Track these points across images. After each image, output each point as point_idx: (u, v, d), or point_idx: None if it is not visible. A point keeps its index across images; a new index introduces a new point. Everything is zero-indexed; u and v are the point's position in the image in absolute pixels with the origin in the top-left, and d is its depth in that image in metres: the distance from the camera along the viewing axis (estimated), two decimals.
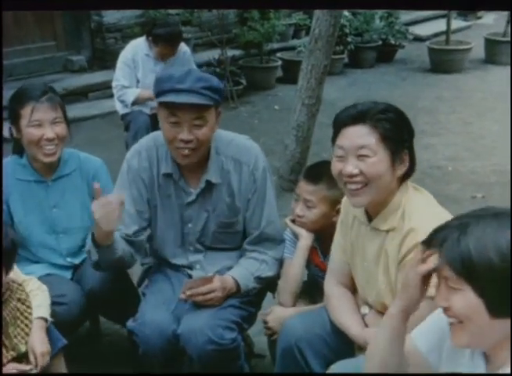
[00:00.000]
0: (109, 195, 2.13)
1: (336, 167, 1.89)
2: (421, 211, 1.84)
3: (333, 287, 2.12)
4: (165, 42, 4.46)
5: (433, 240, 1.38)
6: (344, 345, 2.04)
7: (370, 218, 1.94)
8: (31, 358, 2.12)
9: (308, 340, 2.08)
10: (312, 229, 2.30)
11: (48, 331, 2.20)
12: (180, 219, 2.33)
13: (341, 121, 1.88)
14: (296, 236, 2.35)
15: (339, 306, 2.07)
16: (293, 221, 2.34)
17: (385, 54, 8.13)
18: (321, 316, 2.12)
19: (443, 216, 1.82)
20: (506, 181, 4.63)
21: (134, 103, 4.50)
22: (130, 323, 2.23)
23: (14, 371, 2.11)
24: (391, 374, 1.54)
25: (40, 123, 2.38)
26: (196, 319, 2.15)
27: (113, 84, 4.60)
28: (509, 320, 1.32)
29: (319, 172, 2.26)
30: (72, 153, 2.58)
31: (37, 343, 2.13)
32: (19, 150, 2.51)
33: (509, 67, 7.72)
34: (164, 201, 2.32)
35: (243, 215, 2.32)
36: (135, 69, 4.54)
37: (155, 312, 2.19)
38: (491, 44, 8.02)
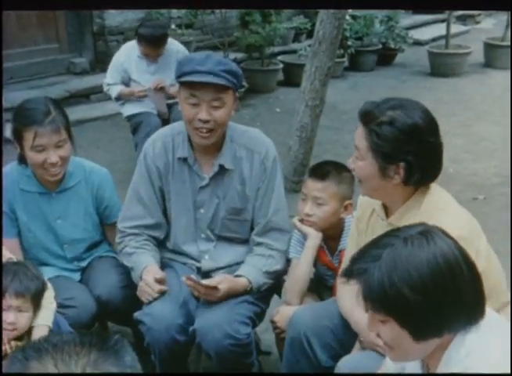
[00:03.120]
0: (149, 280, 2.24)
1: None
2: (446, 212, 1.84)
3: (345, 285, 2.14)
4: (147, 42, 4.49)
5: (352, 272, 1.42)
6: (351, 338, 2.06)
7: (387, 214, 1.96)
8: None
9: (316, 330, 2.11)
10: (321, 228, 2.32)
11: (57, 329, 2.18)
12: (193, 204, 2.39)
13: (359, 114, 1.90)
14: (303, 236, 2.36)
15: (349, 301, 2.06)
16: (300, 221, 2.35)
17: (385, 58, 8.18)
18: (329, 308, 2.14)
19: (466, 217, 1.86)
20: (507, 182, 4.67)
21: (117, 99, 4.62)
22: (137, 314, 2.27)
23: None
24: (392, 374, 1.62)
25: (43, 148, 2.33)
26: (213, 315, 2.19)
27: (103, 81, 4.75)
28: (435, 339, 1.37)
29: (326, 169, 2.30)
30: (78, 163, 2.55)
31: None
32: (24, 161, 2.46)
33: (508, 71, 7.79)
34: (178, 186, 2.38)
35: (252, 204, 2.37)
36: (125, 72, 4.60)
37: (162, 305, 2.23)
38: (490, 48, 8.07)
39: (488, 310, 1.43)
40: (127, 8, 4.29)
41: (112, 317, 2.61)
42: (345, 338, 2.09)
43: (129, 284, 2.40)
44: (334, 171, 2.29)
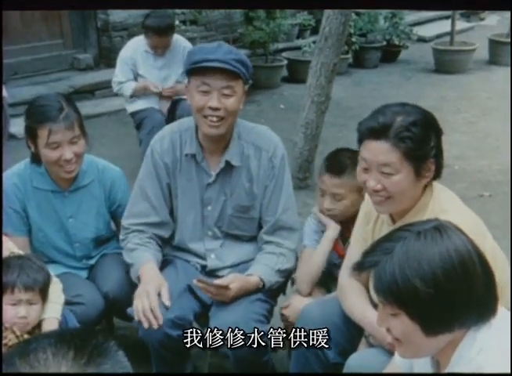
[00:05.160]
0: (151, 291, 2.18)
1: (361, 177, 1.87)
2: (451, 213, 1.80)
3: (347, 279, 2.12)
4: (154, 33, 4.48)
5: (364, 265, 1.41)
6: (359, 335, 2.05)
7: (394, 219, 1.93)
8: None
9: (324, 326, 2.08)
10: (341, 220, 2.32)
11: (66, 324, 2.20)
12: (200, 201, 2.37)
13: (363, 133, 1.83)
14: (320, 226, 2.37)
15: (352, 298, 2.08)
16: (320, 212, 2.35)
17: (389, 54, 8.16)
18: (338, 305, 2.14)
19: (469, 218, 1.84)
20: None
21: (132, 96, 4.59)
22: (130, 309, 2.25)
23: None
24: (396, 374, 1.62)
25: (58, 145, 2.33)
26: (228, 315, 2.18)
27: (112, 80, 4.70)
28: (446, 334, 1.36)
29: (341, 163, 2.26)
30: (91, 162, 2.54)
31: None
32: (37, 160, 2.45)
33: None
34: (185, 184, 2.37)
35: (259, 202, 2.35)
36: (134, 66, 4.58)
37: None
38: (495, 45, 8.04)
39: (501, 308, 1.43)
40: (127, 8, 4.28)
41: (119, 314, 2.60)
42: (353, 334, 2.09)
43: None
44: (350, 163, 2.23)
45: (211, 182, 2.36)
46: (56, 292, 2.22)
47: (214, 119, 2.22)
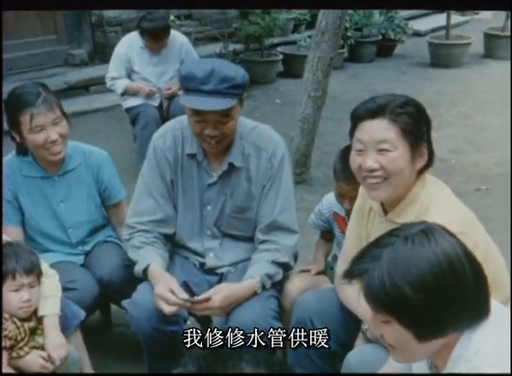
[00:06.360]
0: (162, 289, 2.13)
1: (355, 161, 1.86)
2: (441, 206, 1.82)
3: (343, 268, 2.11)
4: (150, 35, 4.46)
5: (353, 273, 1.40)
6: (356, 325, 2.05)
7: (386, 210, 1.93)
8: (49, 353, 2.14)
9: (320, 315, 2.10)
10: None
11: (64, 307, 2.22)
12: (200, 201, 2.35)
13: (360, 115, 1.85)
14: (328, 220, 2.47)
15: (348, 287, 2.06)
16: None
17: (385, 49, 8.15)
18: (335, 294, 2.14)
19: (460, 210, 1.84)
20: (509, 172, 4.65)
21: (123, 94, 4.57)
22: (124, 301, 2.25)
23: (39, 359, 2.12)
24: (397, 375, 1.61)
25: (42, 127, 2.37)
26: (246, 312, 2.14)
27: (106, 75, 4.69)
28: (440, 339, 1.35)
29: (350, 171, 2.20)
30: (76, 147, 2.58)
31: (51, 342, 2.14)
32: (23, 151, 2.49)
33: (508, 62, 7.77)
34: (186, 182, 2.35)
35: (257, 202, 2.32)
36: (128, 63, 4.56)
37: (146, 293, 2.19)
38: (490, 38, 8.04)
39: (495, 305, 1.41)
40: (126, 8, 4.27)
41: (114, 298, 2.60)
42: (350, 324, 2.08)
43: (131, 264, 2.37)
44: None
45: (212, 182, 2.33)
46: (54, 284, 2.24)
47: (213, 142, 2.21)
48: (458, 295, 1.32)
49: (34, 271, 2.15)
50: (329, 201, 2.47)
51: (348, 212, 2.31)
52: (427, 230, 1.36)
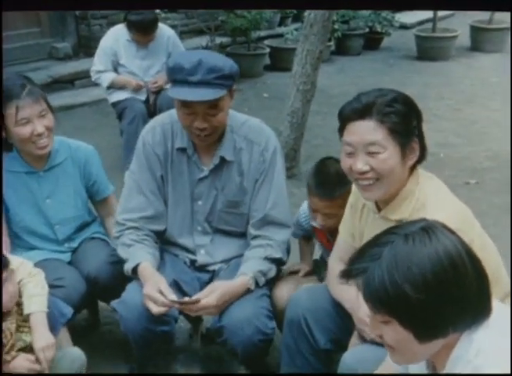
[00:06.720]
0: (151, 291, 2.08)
1: (346, 163, 1.83)
2: (437, 202, 1.79)
3: (335, 263, 2.10)
4: (138, 29, 4.39)
5: (351, 273, 1.36)
6: (350, 321, 2.01)
7: (379, 207, 1.90)
8: (37, 355, 2.09)
9: (314, 312, 2.08)
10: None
11: (51, 306, 2.17)
12: (190, 196, 2.31)
13: (346, 116, 1.81)
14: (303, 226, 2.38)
15: (336, 279, 2.04)
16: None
17: (372, 41, 8.14)
18: (327, 291, 2.11)
19: (456, 206, 1.82)
20: (499, 166, 4.65)
21: (109, 87, 4.50)
22: (114, 301, 2.21)
23: (26, 362, 2.07)
24: (392, 375, 1.58)
25: (28, 120, 2.32)
26: (239, 310, 2.10)
27: (91, 69, 4.62)
28: (440, 339, 1.32)
29: (329, 184, 2.15)
30: (62, 141, 2.54)
31: (38, 341, 2.09)
32: (7, 147, 2.43)
33: (495, 54, 7.80)
34: (176, 177, 2.30)
35: (250, 197, 2.29)
36: (115, 56, 4.49)
37: (136, 293, 2.14)
38: (477, 31, 8.04)
39: (496, 304, 1.38)
40: (125, 8, 4.19)
41: (102, 296, 2.56)
42: (344, 320, 2.05)
43: (118, 261, 2.32)
44: (337, 181, 2.11)
45: (203, 177, 2.29)
46: (40, 283, 2.19)
47: (203, 135, 2.18)
48: (460, 294, 1.29)
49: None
50: (305, 212, 2.41)
51: (323, 227, 2.26)
52: (427, 228, 1.33)
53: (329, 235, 2.31)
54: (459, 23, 8.50)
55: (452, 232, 1.35)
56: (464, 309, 1.30)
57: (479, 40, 8.02)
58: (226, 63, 2.13)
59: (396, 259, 1.29)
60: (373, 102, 1.76)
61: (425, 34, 7.82)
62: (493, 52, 7.85)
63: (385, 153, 1.76)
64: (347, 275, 1.37)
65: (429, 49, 7.70)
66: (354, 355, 1.91)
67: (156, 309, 2.05)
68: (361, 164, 1.78)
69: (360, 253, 1.37)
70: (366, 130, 1.76)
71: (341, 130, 1.84)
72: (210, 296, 2.08)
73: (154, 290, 2.06)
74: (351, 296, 1.93)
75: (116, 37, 4.50)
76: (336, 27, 7.42)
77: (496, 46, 7.91)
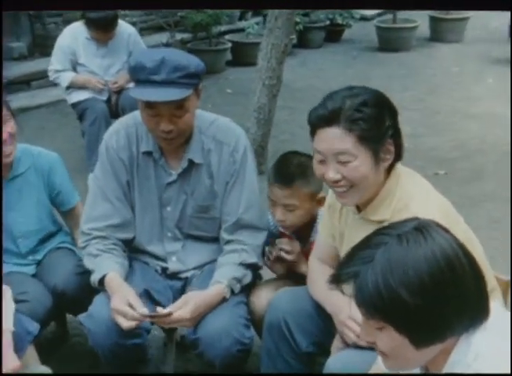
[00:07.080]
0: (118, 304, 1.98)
1: (319, 170, 1.77)
2: (420, 200, 1.73)
3: (315, 263, 2.06)
4: (97, 27, 4.27)
5: (341, 277, 1.29)
6: (331, 323, 1.95)
7: (359, 207, 1.84)
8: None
9: (294, 315, 2.03)
10: (297, 227, 2.21)
11: (16, 323, 2.03)
12: (159, 202, 2.21)
13: (314, 123, 1.74)
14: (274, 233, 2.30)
15: (317, 280, 1.99)
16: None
17: (333, 34, 8.13)
18: (308, 292, 2.06)
19: (440, 203, 1.77)
20: (467, 155, 4.66)
21: (69, 87, 4.38)
22: (81, 316, 2.10)
23: None
24: (390, 375, 1.49)
25: None
26: (215, 321, 2.02)
27: (48, 68, 4.50)
28: (438, 344, 1.26)
29: (290, 172, 2.12)
30: (24, 149, 2.44)
31: (4, 366, 1.95)
32: None
33: (455, 44, 7.87)
34: (142, 182, 2.20)
35: (221, 200, 2.20)
36: (73, 55, 4.37)
37: (103, 306, 2.04)
38: (435, 21, 8.10)
39: (494, 307, 1.32)
40: (124, 8, 4.06)
41: (70, 308, 2.47)
42: (326, 323, 1.99)
43: (86, 271, 2.22)
44: (299, 171, 2.11)
45: (171, 181, 2.19)
46: (5, 301, 2.05)
47: (169, 138, 2.08)
48: (458, 296, 1.23)
49: None
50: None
51: (287, 229, 2.22)
52: (421, 227, 1.26)
53: (296, 238, 2.26)
54: (418, 14, 8.54)
55: (447, 230, 1.29)
56: (462, 312, 1.24)
57: (438, 30, 8.07)
58: (191, 61, 2.04)
59: (390, 262, 1.22)
60: (340, 108, 1.68)
61: (386, 25, 7.84)
62: (453, 41, 7.91)
63: (356, 162, 1.69)
64: (336, 280, 1.30)
65: (390, 40, 7.72)
66: (338, 360, 1.85)
67: (126, 324, 1.95)
68: (332, 173, 1.72)
69: (350, 256, 1.29)
70: (334, 138, 1.69)
71: (312, 134, 1.77)
72: (183, 308, 1.99)
73: (123, 303, 1.96)
74: (333, 298, 1.89)
75: (74, 36, 4.36)
76: (297, 19, 7.36)
77: (456, 36, 7.97)
